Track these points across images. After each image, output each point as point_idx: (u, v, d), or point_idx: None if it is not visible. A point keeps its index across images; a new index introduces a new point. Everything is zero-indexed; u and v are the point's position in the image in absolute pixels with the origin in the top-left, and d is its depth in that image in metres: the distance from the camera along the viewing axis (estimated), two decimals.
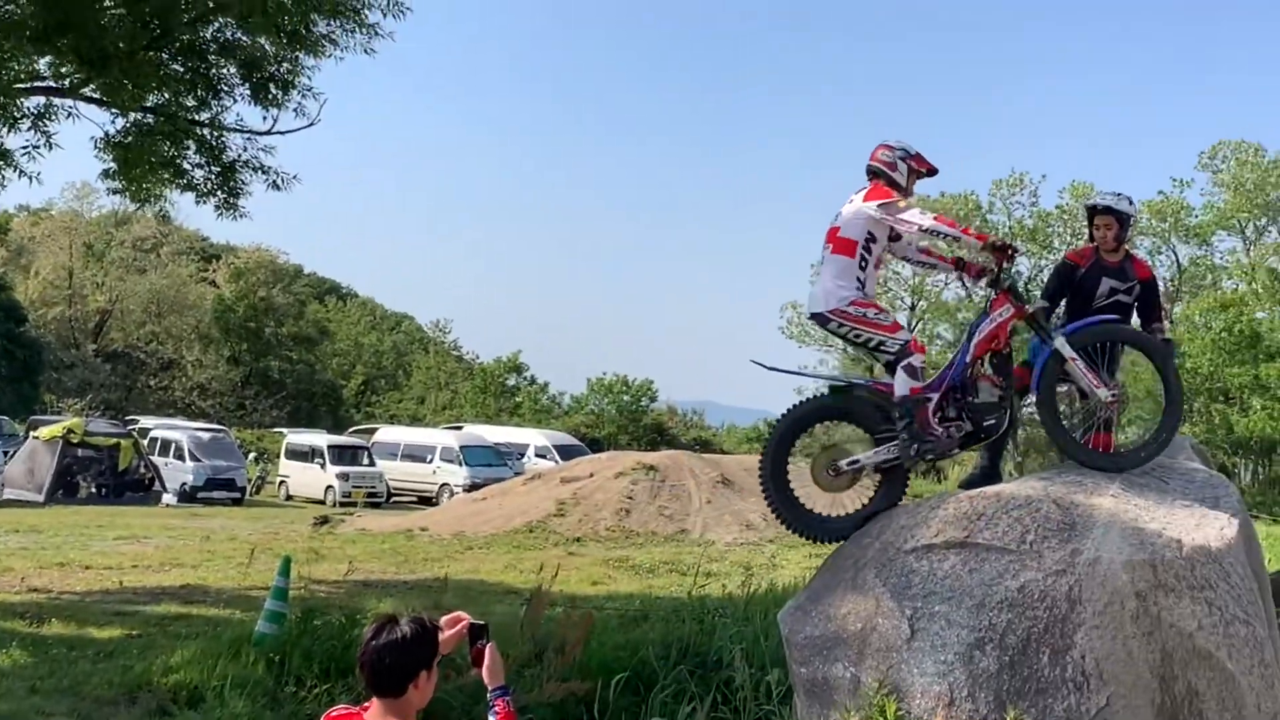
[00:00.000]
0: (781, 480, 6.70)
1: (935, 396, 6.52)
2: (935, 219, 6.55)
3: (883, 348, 6.58)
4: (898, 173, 6.81)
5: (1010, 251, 6.67)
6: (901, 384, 6.46)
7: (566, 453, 37.09)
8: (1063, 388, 6.78)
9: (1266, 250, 50.02)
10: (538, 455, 38.06)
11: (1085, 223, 7.84)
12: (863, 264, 6.66)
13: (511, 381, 65.12)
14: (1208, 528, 5.67)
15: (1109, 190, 7.55)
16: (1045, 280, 8.41)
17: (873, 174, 6.87)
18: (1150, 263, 8.19)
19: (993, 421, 6.50)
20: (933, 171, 6.92)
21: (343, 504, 30.62)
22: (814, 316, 6.81)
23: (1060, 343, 6.43)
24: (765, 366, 7.25)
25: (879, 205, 6.59)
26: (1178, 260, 53.08)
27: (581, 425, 53.90)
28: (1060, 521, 5.62)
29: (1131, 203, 7.44)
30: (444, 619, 3.62)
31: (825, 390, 7.14)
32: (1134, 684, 5.19)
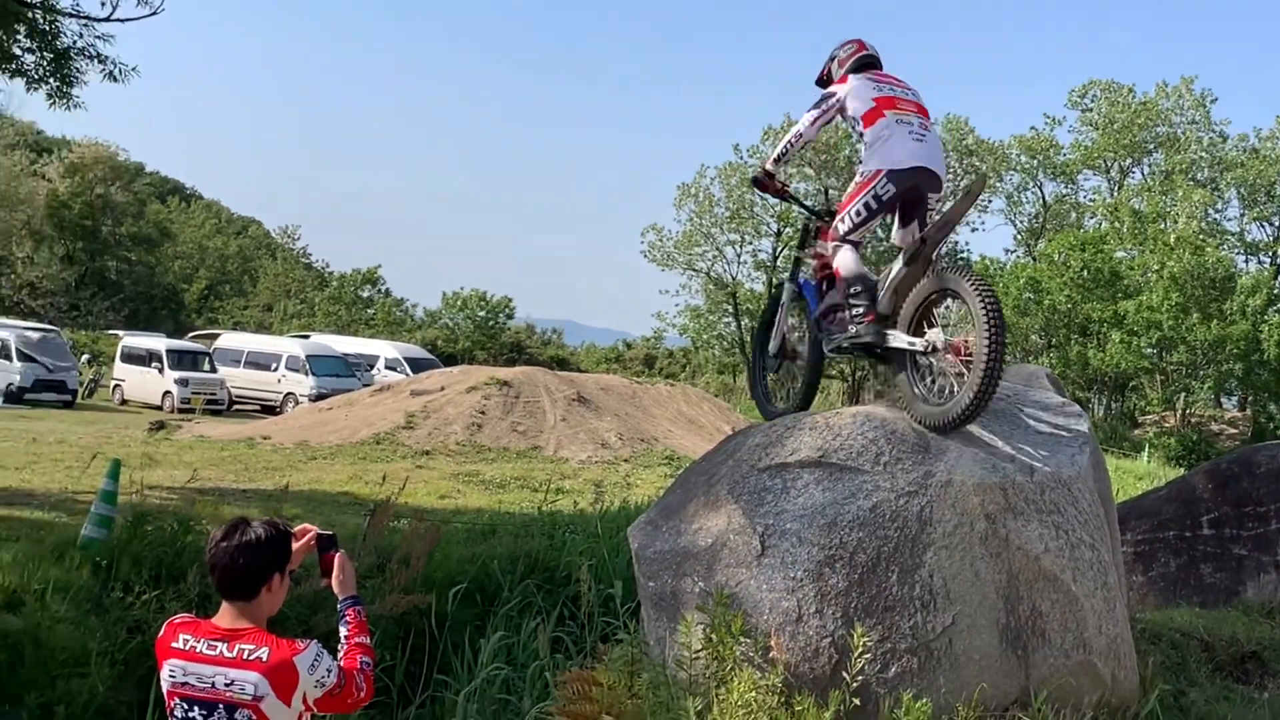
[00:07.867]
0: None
1: None
2: None
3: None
4: None
5: None
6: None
7: (418, 365, 36.63)
8: None
9: (1130, 191, 50.74)
10: (388, 367, 37.54)
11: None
12: None
13: (366, 293, 63.88)
14: (1059, 454, 5.77)
15: None
16: None
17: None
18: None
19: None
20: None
21: (181, 410, 29.71)
22: (935, 176, 6.15)
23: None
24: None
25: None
26: (1044, 196, 54.20)
27: (436, 339, 53.32)
28: (915, 444, 5.63)
29: None
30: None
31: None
32: (980, 603, 5.27)
